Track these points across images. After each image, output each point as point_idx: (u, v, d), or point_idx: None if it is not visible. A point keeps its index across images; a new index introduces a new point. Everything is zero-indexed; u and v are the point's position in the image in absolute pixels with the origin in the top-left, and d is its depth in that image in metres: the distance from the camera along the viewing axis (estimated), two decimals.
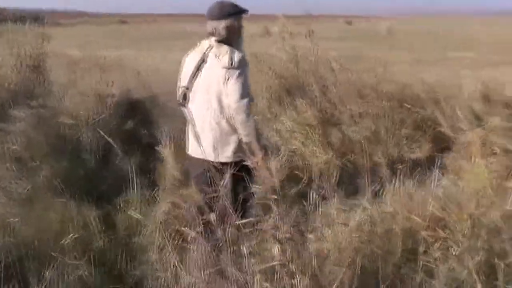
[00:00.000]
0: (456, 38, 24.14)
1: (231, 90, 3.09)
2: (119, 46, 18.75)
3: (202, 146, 3.24)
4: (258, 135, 3.18)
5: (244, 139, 3.12)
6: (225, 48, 3.18)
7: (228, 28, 3.19)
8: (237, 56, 3.13)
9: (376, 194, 3.43)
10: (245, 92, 3.10)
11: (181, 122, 5.04)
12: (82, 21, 48.95)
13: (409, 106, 5.58)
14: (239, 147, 3.13)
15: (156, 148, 4.70)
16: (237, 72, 3.09)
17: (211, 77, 3.17)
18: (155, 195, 3.99)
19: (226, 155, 3.20)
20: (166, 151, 4.54)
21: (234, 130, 3.17)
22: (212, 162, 3.19)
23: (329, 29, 26.71)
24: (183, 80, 3.34)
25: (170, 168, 4.36)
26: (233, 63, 3.09)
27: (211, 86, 3.18)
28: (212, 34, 3.23)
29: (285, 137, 5.16)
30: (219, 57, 3.16)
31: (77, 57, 9.22)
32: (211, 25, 3.22)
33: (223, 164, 3.16)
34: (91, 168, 4.73)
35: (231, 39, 3.23)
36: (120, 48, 17.00)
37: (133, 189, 3.99)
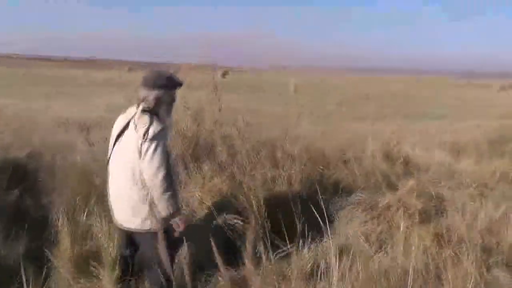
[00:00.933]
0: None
1: (146, 165, 3.08)
2: None
3: (113, 212, 3.35)
4: (175, 204, 3.19)
5: (162, 213, 3.16)
6: (145, 119, 3.15)
7: (157, 100, 3.21)
8: (155, 128, 3.09)
9: None
10: (161, 166, 3.08)
11: (75, 187, 4.46)
12: None
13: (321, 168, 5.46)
14: (150, 216, 3.19)
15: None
16: (152, 145, 3.07)
17: (127, 145, 3.17)
18: None
19: (134, 222, 3.23)
20: (61, 228, 3.85)
21: (144, 201, 3.17)
22: (124, 228, 3.33)
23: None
24: (110, 143, 3.33)
25: (65, 252, 3.67)
26: (147, 137, 3.06)
27: (126, 154, 3.17)
28: (142, 101, 3.21)
29: (193, 207, 4.68)
30: (137, 128, 3.13)
31: None
32: (142, 92, 3.23)
33: (134, 232, 3.29)
34: None
35: (159, 109, 3.22)
36: None
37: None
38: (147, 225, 3.20)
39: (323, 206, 3.67)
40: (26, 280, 3.28)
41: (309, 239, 4.16)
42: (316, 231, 4.25)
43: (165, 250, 3.22)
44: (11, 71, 36.51)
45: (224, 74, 34.97)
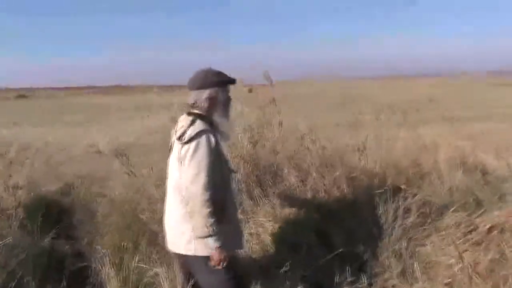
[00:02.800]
0: None
1: (184, 171, 2.59)
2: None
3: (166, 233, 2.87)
4: (215, 226, 2.57)
5: (197, 233, 2.59)
6: (188, 120, 2.68)
7: (212, 100, 2.72)
8: (195, 128, 2.60)
9: None
10: (201, 173, 2.54)
11: (119, 225, 3.72)
12: None
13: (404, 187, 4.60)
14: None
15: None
16: (191, 147, 2.57)
17: (172, 156, 2.74)
18: None
19: (179, 245, 2.71)
20: (106, 279, 3.08)
21: (187, 219, 2.62)
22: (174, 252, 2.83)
23: None
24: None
25: None
26: (184, 137, 2.59)
27: (171, 167, 2.75)
28: (192, 106, 2.75)
29: (265, 242, 3.85)
30: (176, 130, 2.71)
31: None
32: (192, 96, 2.75)
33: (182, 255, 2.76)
34: None
35: (214, 111, 2.73)
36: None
37: None
38: (191, 249, 2.65)
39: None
40: None
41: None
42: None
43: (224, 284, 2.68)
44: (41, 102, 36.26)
45: (250, 91, 34.14)
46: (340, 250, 3.69)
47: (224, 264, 2.58)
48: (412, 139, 6.06)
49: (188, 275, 2.84)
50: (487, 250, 3.92)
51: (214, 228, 2.53)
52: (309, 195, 4.26)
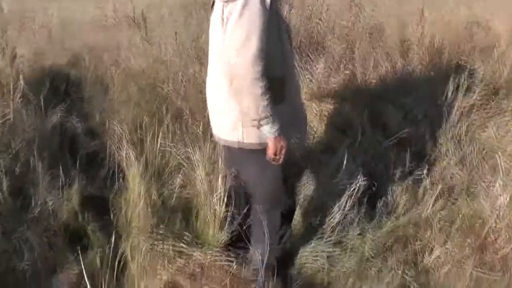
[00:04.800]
0: None
1: (228, 35, 1.87)
2: None
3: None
4: (267, 114, 1.91)
5: (243, 120, 1.98)
6: None
7: None
8: None
9: None
10: (252, 37, 1.82)
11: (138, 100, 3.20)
12: None
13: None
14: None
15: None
16: (238, 5, 1.83)
17: (214, 12, 2.03)
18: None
19: (223, 132, 2.11)
20: (127, 164, 2.59)
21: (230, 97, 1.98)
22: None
23: None
24: None
25: (137, 203, 2.41)
26: None
27: (213, 27, 2.04)
28: None
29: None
30: None
31: None
32: None
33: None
34: None
35: None
36: None
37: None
38: (238, 137, 2.04)
39: None
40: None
41: None
42: None
43: (272, 179, 2.13)
44: None
45: None
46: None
47: (283, 156, 2.00)
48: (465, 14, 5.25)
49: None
50: None
51: (269, 110, 1.89)
52: (358, 70, 3.62)
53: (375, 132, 3.26)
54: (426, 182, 2.98)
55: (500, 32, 4.77)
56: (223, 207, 2.24)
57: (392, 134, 3.24)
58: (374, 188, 2.77)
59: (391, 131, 3.28)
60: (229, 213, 2.25)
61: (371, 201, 2.74)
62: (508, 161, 3.19)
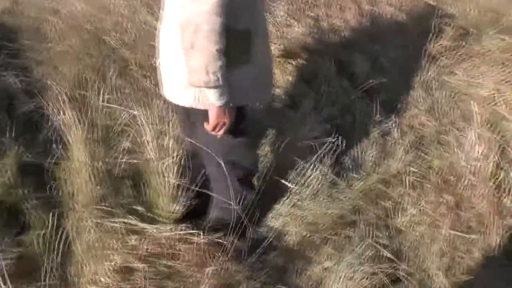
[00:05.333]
0: None
1: None
2: None
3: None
4: (217, 78, 1.55)
5: (188, 79, 1.61)
6: None
7: None
8: None
9: None
10: None
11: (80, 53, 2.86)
12: None
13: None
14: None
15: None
16: None
17: None
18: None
19: (174, 92, 1.79)
20: (67, 128, 2.30)
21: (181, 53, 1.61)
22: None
23: None
24: None
25: (81, 172, 2.14)
26: None
27: None
28: None
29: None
30: None
31: None
32: None
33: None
34: None
35: None
36: None
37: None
38: (189, 98, 1.72)
39: None
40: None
41: None
42: None
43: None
44: None
45: None
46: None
47: (222, 132, 1.72)
48: None
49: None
50: None
51: (222, 76, 1.54)
52: (322, 15, 3.33)
53: (342, 82, 3.02)
54: (395, 133, 2.81)
55: None
56: (175, 175, 1.98)
57: (360, 84, 3.02)
58: (340, 143, 2.56)
59: (358, 81, 3.05)
60: (183, 182, 2.00)
61: (339, 157, 2.55)
62: (480, 106, 3.05)
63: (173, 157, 2.04)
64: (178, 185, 2.01)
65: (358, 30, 3.44)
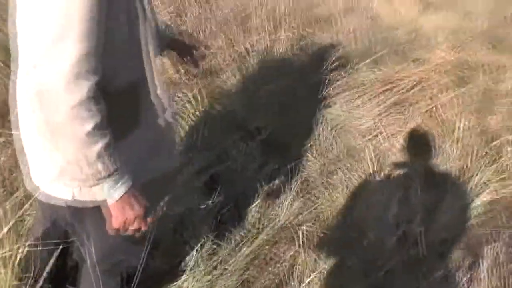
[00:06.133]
0: None
1: (21, 24, 1.01)
2: None
3: None
4: (100, 168, 1.04)
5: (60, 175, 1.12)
6: None
7: None
8: None
9: None
10: (62, 42, 0.93)
11: None
12: None
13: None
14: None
15: None
16: None
17: None
18: None
19: (37, 180, 1.25)
20: None
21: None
22: None
23: None
24: None
25: None
26: None
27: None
28: None
29: None
30: None
31: None
32: None
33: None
34: None
35: None
36: None
37: None
38: (58, 191, 1.20)
39: None
40: None
41: None
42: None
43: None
44: None
45: None
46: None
47: (136, 227, 1.18)
48: None
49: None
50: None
51: (107, 158, 1.04)
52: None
53: (217, 123, 2.70)
54: (280, 177, 2.56)
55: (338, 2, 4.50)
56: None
57: (238, 124, 2.73)
58: (221, 201, 2.21)
59: (235, 121, 2.76)
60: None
61: (222, 216, 2.21)
62: (363, 139, 2.93)
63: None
64: None
65: (231, 62, 3.18)
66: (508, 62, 3.79)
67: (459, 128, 2.98)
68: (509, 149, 2.91)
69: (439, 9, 4.79)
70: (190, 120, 2.69)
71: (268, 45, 3.38)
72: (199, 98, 2.83)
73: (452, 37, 4.06)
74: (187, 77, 3.01)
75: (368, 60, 3.48)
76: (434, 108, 3.22)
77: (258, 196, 2.41)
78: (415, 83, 3.46)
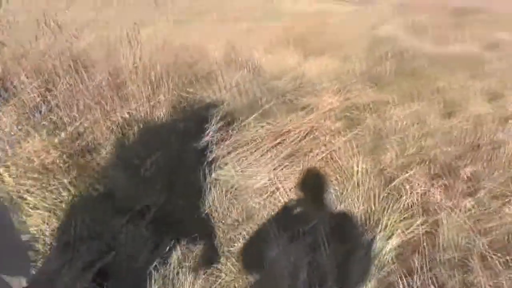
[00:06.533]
0: None
1: None
2: None
3: None
4: None
5: None
6: None
7: None
8: None
9: None
10: None
11: None
12: None
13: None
14: None
15: None
16: None
17: None
18: None
19: None
20: None
21: None
22: None
23: None
24: None
25: None
26: None
27: None
28: None
29: None
30: None
31: None
32: None
33: None
34: None
35: None
36: None
37: None
38: None
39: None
40: None
41: None
42: None
43: None
44: None
45: None
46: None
47: None
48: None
49: None
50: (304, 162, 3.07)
51: None
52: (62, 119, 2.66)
53: (101, 207, 2.36)
54: (174, 261, 2.26)
55: (217, 56, 4.40)
56: None
57: (127, 207, 2.41)
58: None
59: (122, 203, 2.43)
60: None
61: None
62: (259, 198, 2.73)
63: None
64: None
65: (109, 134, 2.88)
66: (390, 97, 3.85)
67: (357, 172, 2.88)
68: (407, 187, 2.85)
69: (320, 55, 4.91)
70: (68, 209, 2.33)
71: (148, 111, 3.12)
72: (77, 182, 2.48)
73: (336, 81, 4.09)
74: (61, 160, 2.64)
75: (255, 114, 3.34)
76: (329, 155, 3.11)
77: (154, 282, 2.10)
78: (306, 132, 3.37)
